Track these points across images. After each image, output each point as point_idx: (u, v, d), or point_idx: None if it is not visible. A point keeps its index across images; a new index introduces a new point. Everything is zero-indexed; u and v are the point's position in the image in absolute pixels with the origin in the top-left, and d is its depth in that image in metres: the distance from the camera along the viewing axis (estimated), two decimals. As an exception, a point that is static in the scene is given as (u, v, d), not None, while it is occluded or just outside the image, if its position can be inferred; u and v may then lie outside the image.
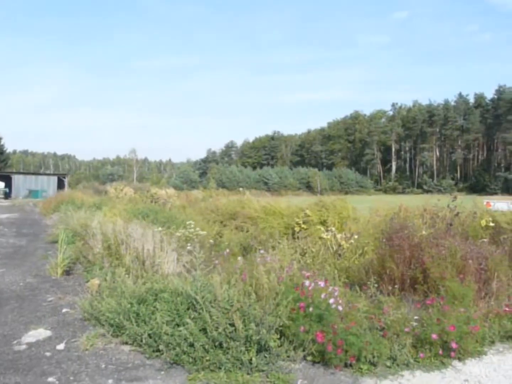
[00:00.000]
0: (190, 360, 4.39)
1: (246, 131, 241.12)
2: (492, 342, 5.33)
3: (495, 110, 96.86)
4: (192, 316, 4.73)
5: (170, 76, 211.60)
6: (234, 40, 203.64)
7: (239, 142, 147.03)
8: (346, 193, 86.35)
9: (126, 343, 4.99)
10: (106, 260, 8.11)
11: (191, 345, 4.43)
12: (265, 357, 4.42)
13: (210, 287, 5.10)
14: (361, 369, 4.46)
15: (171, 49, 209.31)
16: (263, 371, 4.32)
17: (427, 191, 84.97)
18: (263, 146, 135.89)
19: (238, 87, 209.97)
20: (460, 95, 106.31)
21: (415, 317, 5.21)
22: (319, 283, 5.23)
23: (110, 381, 4.23)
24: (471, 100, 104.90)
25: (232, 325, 4.49)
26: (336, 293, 5.15)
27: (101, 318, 5.41)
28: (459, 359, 4.81)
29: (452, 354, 4.74)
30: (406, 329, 4.86)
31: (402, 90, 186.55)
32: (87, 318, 5.86)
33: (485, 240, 7.75)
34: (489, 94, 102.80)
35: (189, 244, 8.41)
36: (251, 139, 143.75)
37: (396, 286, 6.38)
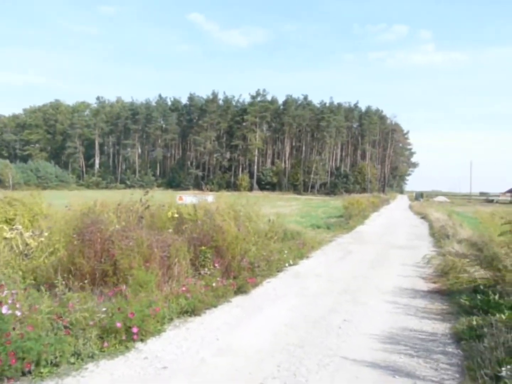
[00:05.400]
0: None
1: None
2: (171, 319, 6.03)
3: (188, 115, 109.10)
4: None
5: None
6: None
7: None
8: (45, 188, 79.56)
9: None
10: None
11: None
12: None
13: None
14: (42, 373, 4.23)
15: None
16: None
17: (130, 186, 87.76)
18: None
19: None
20: (160, 96, 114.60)
21: (103, 309, 5.34)
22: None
23: None
24: (169, 103, 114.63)
25: None
26: (14, 297, 4.71)
27: None
28: (142, 340, 5.22)
29: (135, 337, 5.11)
30: (91, 323, 4.92)
31: (107, 84, 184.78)
32: None
33: (170, 230, 8.64)
34: (184, 99, 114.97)
35: None
36: None
37: (86, 281, 6.35)
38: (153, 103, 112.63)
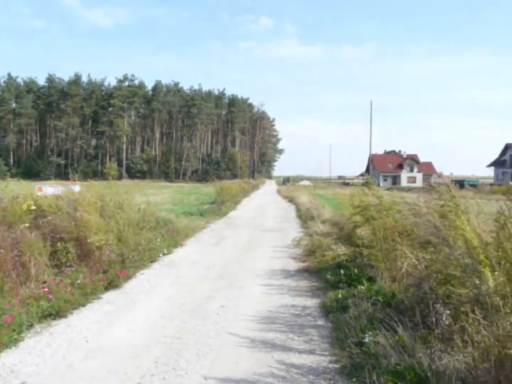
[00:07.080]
0: None
1: None
2: (31, 325, 5.33)
3: (47, 97, 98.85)
4: None
5: None
6: None
7: None
8: None
9: None
10: None
11: None
12: None
13: None
14: None
15: None
16: None
17: (-24, 178, 76.82)
18: None
19: None
20: (9, 76, 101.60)
21: None
22: None
23: None
24: (22, 83, 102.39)
25: None
26: None
27: None
28: (-7, 355, 4.51)
29: (-16, 351, 4.39)
30: None
31: None
32: None
33: (27, 224, 7.66)
34: (42, 81, 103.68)
35: None
36: None
37: None
38: (1, 83, 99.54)
